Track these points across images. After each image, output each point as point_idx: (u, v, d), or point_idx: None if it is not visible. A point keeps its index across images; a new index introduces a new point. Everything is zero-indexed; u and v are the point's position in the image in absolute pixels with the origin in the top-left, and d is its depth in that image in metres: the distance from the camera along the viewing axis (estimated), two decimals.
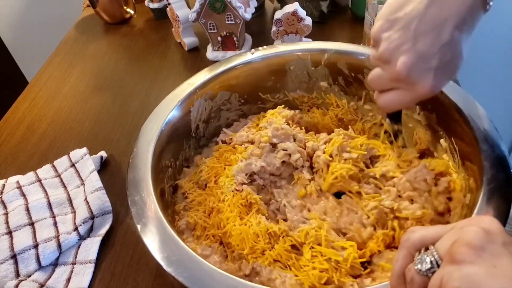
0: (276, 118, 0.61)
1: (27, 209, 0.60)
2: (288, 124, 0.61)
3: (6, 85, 1.50)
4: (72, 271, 0.54)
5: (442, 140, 0.55)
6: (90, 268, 0.54)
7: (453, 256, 0.27)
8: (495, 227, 0.28)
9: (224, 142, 0.64)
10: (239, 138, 0.61)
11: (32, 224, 0.58)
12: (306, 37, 0.86)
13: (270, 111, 0.65)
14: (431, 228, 0.32)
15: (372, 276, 0.46)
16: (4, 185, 0.66)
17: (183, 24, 0.90)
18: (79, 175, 0.66)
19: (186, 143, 0.61)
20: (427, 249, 0.30)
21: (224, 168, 0.58)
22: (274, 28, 0.84)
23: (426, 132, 0.58)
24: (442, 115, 0.54)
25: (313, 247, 0.48)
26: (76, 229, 0.58)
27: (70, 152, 0.69)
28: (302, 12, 0.81)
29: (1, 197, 0.63)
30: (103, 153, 0.70)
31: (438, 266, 0.29)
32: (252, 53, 0.64)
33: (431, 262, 0.29)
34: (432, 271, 0.29)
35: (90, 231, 0.59)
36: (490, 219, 0.29)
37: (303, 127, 0.63)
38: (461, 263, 0.26)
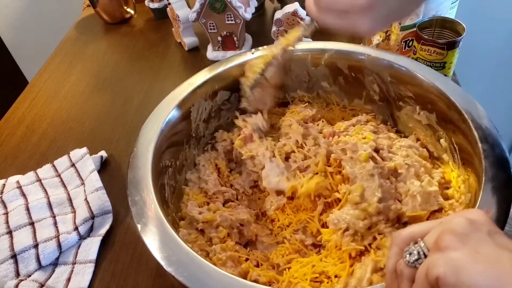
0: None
1: (27, 209, 0.60)
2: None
3: (6, 85, 1.50)
4: (72, 271, 0.54)
5: (442, 140, 0.55)
6: (90, 268, 0.54)
7: (438, 244, 0.28)
8: (481, 217, 0.29)
9: None
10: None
11: (32, 224, 0.58)
12: (306, 37, 0.86)
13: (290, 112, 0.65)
14: (420, 224, 0.33)
15: None
16: (4, 185, 0.66)
17: (183, 24, 0.90)
18: (79, 175, 0.66)
19: (186, 143, 0.61)
20: (416, 242, 0.31)
21: None
22: (274, 28, 0.84)
23: (426, 132, 0.58)
24: (442, 115, 0.54)
25: None
26: (76, 229, 0.58)
27: (70, 152, 0.69)
28: (302, 12, 0.81)
29: (1, 197, 0.63)
30: (103, 153, 0.70)
31: (426, 256, 0.29)
32: (253, 53, 0.64)
33: (418, 253, 0.30)
34: (419, 262, 0.29)
35: (90, 231, 0.59)
36: (477, 211, 0.30)
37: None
38: (445, 250, 0.27)
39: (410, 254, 0.30)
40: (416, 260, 0.29)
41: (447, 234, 0.28)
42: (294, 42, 0.57)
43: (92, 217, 0.59)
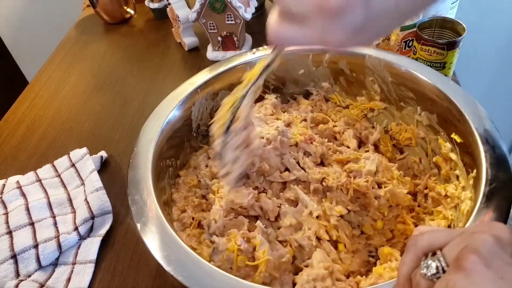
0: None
1: (27, 209, 0.60)
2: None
3: (6, 85, 1.50)
4: (72, 271, 0.54)
5: (443, 140, 0.55)
6: (90, 268, 0.54)
7: (461, 263, 0.26)
8: (507, 235, 0.28)
9: None
10: None
11: (32, 224, 0.58)
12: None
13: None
14: (439, 232, 0.31)
15: None
16: (4, 185, 0.65)
17: (183, 24, 0.90)
18: (79, 175, 0.66)
19: (187, 143, 0.61)
20: (434, 253, 0.30)
21: None
22: None
23: (427, 133, 0.58)
24: (443, 116, 0.54)
25: None
26: (76, 229, 0.57)
27: (70, 152, 0.69)
28: None
29: (1, 197, 0.63)
30: (103, 153, 0.70)
31: (444, 271, 0.28)
32: (254, 53, 0.64)
33: (436, 267, 0.28)
34: (437, 276, 0.28)
35: (90, 231, 0.59)
36: (502, 226, 0.28)
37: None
38: (468, 272, 0.26)
39: (427, 267, 0.29)
40: (434, 274, 0.28)
41: (471, 254, 0.26)
42: (260, 76, 0.46)
43: (92, 217, 0.59)
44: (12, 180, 0.66)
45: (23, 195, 0.63)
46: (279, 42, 0.39)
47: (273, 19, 0.35)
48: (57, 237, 0.56)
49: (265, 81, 0.66)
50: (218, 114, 0.48)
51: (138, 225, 0.43)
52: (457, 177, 0.51)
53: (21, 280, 0.52)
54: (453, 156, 0.52)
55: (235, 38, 0.87)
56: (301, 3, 0.32)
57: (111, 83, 0.89)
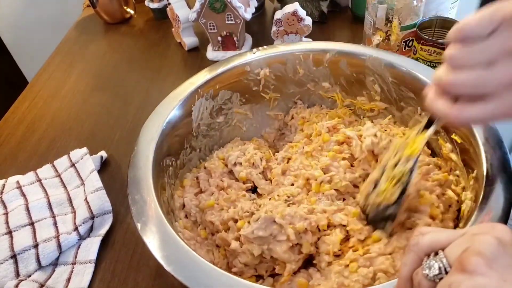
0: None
1: (27, 209, 0.60)
2: None
3: (6, 85, 1.50)
4: (72, 271, 0.54)
5: (443, 141, 0.55)
6: (90, 268, 0.54)
7: (464, 265, 0.26)
8: (508, 237, 0.28)
9: None
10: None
11: (32, 224, 0.58)
12: (306, 37, 0.86)
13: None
14: (441, 232, 0.31)
15: None
16: (4, 185, 0.65)
17: (183, 24, 0.90)
18: (79, 175, 0.66)
19: (187, 142, 0.61)
20: (436, 253, 0.30)
21: None
22: (274, 28, 0.84)
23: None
24: None
25: None
26: (76, 229, 0.57)
27: (70, 152, 0.69)
28: (302, 12, 0.81)
29: (1, 197, 0.63)
30: (103, 153, 0.70)
31: (446, 272, 0.28)
32: (254, 53, 0.64)
33: (439, 268, 0.28)
34: (439, 277, 0.28)
35: (90, 231, 0.59)
36: (504, 228, 0.28)
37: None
38: (471, 273, 0.26)
39: (430, 268, 0.29)
40: (437, 275, 0.28)
41: (474, 256, 0.26)
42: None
43: (92, 217, 0.59)
44: (12, 180, 0.66)
45: (23, 195, 0.63)
46: (463, 124, 0.41)
47: (442, 103, 0.37)
48: (57, 237, 0.56)
49: (265, 81, 0.66)
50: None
51: (138, 225, 0.43)
52: (457, 177, 0.51)
53: (21, 280, 0.52)
54: (453, 156, 0.52)
55: (235, 38, 0.87)
56: (487, 83, 0.34)
57: (111, 83, 0.89)
